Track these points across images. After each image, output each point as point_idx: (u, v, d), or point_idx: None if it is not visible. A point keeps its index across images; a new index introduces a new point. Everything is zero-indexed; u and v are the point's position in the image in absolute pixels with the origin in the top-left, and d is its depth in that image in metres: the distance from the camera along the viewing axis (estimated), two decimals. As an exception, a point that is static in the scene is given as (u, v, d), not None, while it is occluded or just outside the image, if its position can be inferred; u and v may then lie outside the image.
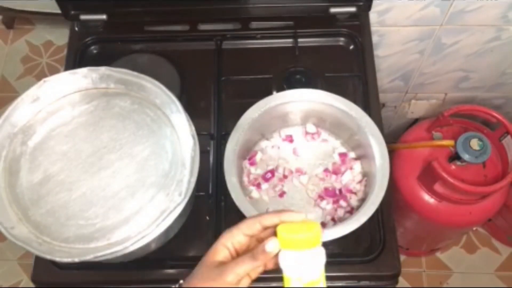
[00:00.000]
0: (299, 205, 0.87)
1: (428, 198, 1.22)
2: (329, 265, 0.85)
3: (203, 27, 1.06)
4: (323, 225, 0.85)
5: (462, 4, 1.07)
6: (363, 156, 0.88)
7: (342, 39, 1.05)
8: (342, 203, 0.86)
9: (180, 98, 0.86)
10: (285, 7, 1.03)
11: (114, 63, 0.98)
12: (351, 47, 1.05)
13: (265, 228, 0.55)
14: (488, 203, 1.21)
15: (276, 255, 0.54)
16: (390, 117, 1.55)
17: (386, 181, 0.80)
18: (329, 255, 0.86)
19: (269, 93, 0.94)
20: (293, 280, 0.53)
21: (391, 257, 0.85)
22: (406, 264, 1.66)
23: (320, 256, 0.53)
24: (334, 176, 0.89)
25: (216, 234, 0.86)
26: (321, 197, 0.87)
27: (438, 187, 1.17)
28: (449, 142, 1.15)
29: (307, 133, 0.92)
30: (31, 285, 0.85)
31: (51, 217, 0.73)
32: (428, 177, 1.17)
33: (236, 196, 0.79)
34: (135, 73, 0.82)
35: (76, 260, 0.68)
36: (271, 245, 0.52)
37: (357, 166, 0.88)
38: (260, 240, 0.56)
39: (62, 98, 0.82)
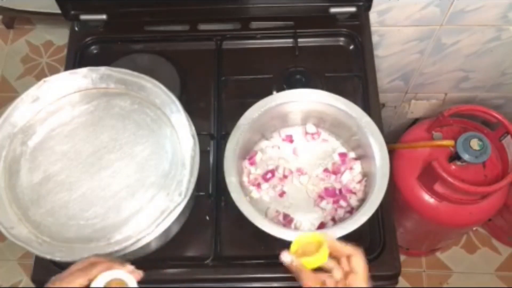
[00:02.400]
0: (299, 205, 0.87)
1: (428, 198, 1.22)
2: (329, 265, 0.85)
3: (203, 27, 1.06)
4: (323, 225, 0.85)
5: (462, 4, 1.07)
6: (363, 156, 0.88)
7: (342, 39, 1.05)
8: (342, 203, 0.86)
9: (180, 98, 0.86)
10: (285, 7, 1.03)
11: (114, 63, 0.98)
12: (351, 47, 1.05)
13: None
14: (488, 203, 1.21)
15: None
16: (390, 117, 1.55)
17: (386, 181, 0.80)
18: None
19: (269, 93, 0.94)
20: None
21: (391, 257, 0.85)
22: (406, 264, 1.66)
23: None
24: (334, 176, 0.89)
25: (216, 234, 0.86)
26: (321, 197, 0.87)
27: (438, 187, 1.17)
28: (449, 142, 1.15)
29: (307, 133, 0.92)
30: (31, 285, 0.85)
31: (51, 217, 0.74)
32: (428, 177, 1.17)
33: (236, 196, 0.79)
34: (135, 73, 0.82)
35: (77, 260, 0.68)
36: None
37: (357, 166, 0.88)
38: None
39: (62, 98, 0.82)
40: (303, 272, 0.63)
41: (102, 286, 0.57)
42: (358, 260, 0.63)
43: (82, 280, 0.58)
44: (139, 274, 0.62)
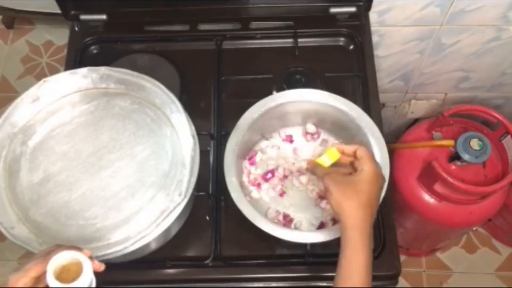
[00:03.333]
0: (299, 205, 0.87)
1: (428, 198, 1.22)
2: (329, 265, 0.85)
3: (203, 27, 1.06)
4: (323, 225, 0.85)
5: (462, 4, 1.07)
6: (363, 156, 0.87)
7: (342, 39, 1.05)
8: (342, 203, 0.86)
9: (180, 98, 0.86)
10: (285, 7, 1.03)
11: (114, 63, 0.98)
12: (351, 47, 1.05)
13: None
14: (488, 203, 1.21)
15: None
16: (390, 117, 1.55)
17: (386, 181, 0.80)
18: (329, 255, 0.86)
19: (269, 93, 0.94)
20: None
21: (391, 257, 0.85)
22: (406, 264, 1.66)
23: None
24: (334, 176, 0.88)
25: (216, 234, 0.86)
26: (321, 197, 0.87)
27: (438, 187, 1.17)
28: (449, 142, 1.15)
29: (307, 133, 0.92)
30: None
31: (51, 217, 0.73)
32: (428, 177, 1.17)
33: (236, 196, 0.79)
34: (135, 73, 0.82)
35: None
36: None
37: (357, 166, 0.88)
38: None
39: (62, 98, 0.82)
40: (316, 167, 0.76)
41: (55, 265, 0.57)
42: (361, 150, 0.73)
43: (42, 265, 0.58)
44: (100, 265, 0.61)
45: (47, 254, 0.59)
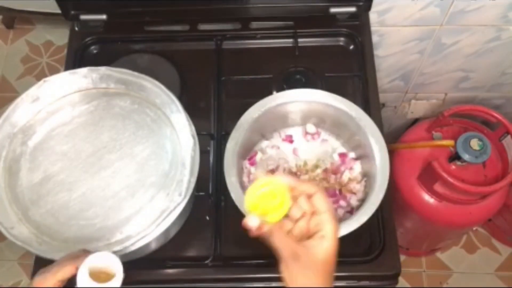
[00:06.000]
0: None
1: (428, 198, 1.22)
2: (329, 265, 0.85)
3: (203, 27, 1.06)
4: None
5: (462, 4, 1.07)
6: (363, 156, 0.87)
7: (342, 39, 1.05)
8: (342, 203, 0.86)
9: (180, 98, 0.86)
10: (285, 7, 1.03)
11: (114, 63, 0.98)
12: (351, 47, 1.05)
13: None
14: (488, 203, 1.21)
15: None
16: (390, 117, 1.55)
17: (386, 181, 0.80)
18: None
19: (269, 93, 0.94)
20: None
21: (391, 257, 0.85)
22: (406, 264, 1.66)
23: None
24: (334, 176, 0.88)
25: (216, 234, 0.86)
26: (321, 197, 0.87)
27: (438, 187, 1.17)
28: (449, 142, 1.15)
29: (307, 133, 0.92)
30: (31, 285, 0.85)
31: (51, 217, 0.74)
32: (428, 177, 1.17)
33: (236, 196, 0.79)
34: (135, 73, 0.82)
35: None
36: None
37: (357, 166, 0.88)
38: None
39: (62, 98, 0.82)
40: (274, 236, 0.57)
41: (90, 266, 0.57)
42: (319, 199, 0.56)
43: (70, 268, 0.58)
44: None
45: (75, 258, 0.59)
